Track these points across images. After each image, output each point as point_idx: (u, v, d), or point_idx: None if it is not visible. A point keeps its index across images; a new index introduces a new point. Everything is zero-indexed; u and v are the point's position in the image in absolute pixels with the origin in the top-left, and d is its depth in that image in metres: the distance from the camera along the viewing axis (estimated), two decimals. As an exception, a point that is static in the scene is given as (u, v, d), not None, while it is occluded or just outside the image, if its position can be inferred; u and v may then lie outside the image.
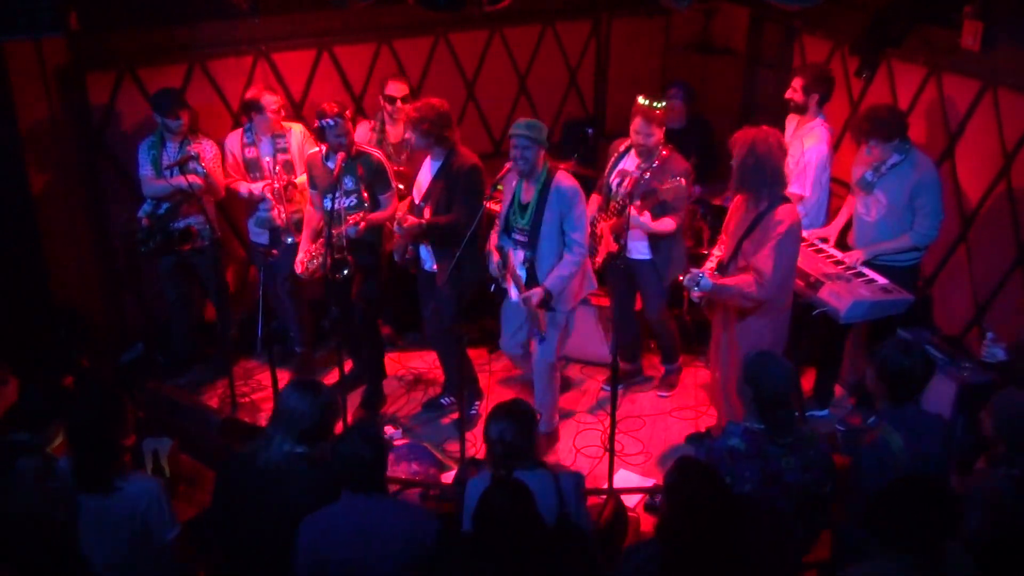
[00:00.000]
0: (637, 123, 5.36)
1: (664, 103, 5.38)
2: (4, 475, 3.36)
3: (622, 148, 5.60)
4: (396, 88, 6.06)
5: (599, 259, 5.56)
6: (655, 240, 5.54)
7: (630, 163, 5.53)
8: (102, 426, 3.48)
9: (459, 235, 5.06)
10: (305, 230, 5.67)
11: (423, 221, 5.27)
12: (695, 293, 4.72)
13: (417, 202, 5.45)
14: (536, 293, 5.00)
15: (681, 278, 4.82)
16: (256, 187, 5.79)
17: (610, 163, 5.63)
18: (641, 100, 5.37)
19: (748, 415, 3.70)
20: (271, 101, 5.74)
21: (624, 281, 5.76)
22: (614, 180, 5.52)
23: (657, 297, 5.76)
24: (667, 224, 5.42)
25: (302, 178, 5.77)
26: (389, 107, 6.07)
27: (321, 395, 3.58)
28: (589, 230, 5.35)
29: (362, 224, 5.33)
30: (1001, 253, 5.40)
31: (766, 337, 4.75)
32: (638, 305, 5.99)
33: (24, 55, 5.30)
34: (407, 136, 5.75)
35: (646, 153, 5.43)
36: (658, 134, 5.37)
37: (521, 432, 3.57)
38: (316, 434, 3.55)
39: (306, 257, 5.55)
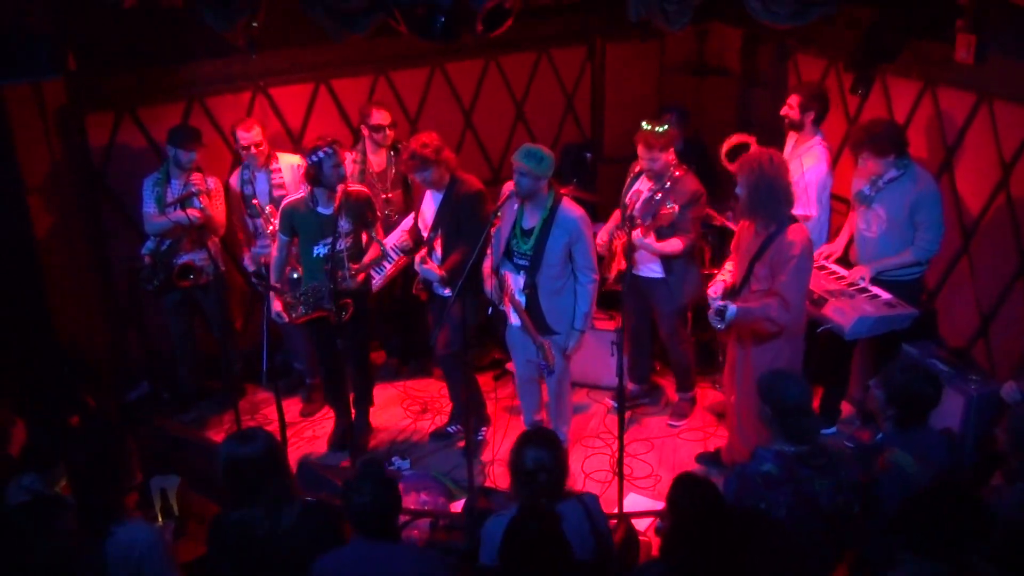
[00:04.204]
0: (640, 149, 5.41)
1: (666, 127, 5.39)
2: (42, 533, 3.25)
3: (637, 169, 5.63)
4: (382, 116, 6.06)
5: (611, 275, 5.58)
6: (668, 259, 5.55)
7: (643, 184, 5.56)
8: (101, 467, 3.44)
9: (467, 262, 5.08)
10: (272, 275, 5.49)
11: (443, 274, 5.30)
12: (721, 326, 4.71)
13: (424, 235, 5.46)
14: (575, 338, 5.12)
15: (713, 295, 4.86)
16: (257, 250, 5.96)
17: (627, 182, 5.67)
18: (644, 125, 5.40)
19: (775, 438, 3.64)
20: (244, 136, 5.75)
21: (637, 300, 5.78)
22: (629, 200, 5.55)
23: (671, 316, 5.75)
24: (674, 245, 5.42)
25: None
26: (378, 135, 6.06)
27: (262, 438, 3.43)
28: (606, 240, 5.53)
29: (360, 275, 5.32)
30: (1003, 264, 5.39)
31: (783, 359, 4.72)
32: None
33: (24, 98, 5.34)
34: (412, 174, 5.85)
35: (655, 176, 5.47)
36: (662, 158, 5.38)
37: (558, 461, 3.51)
38: (274, 476, 3.41)
39: (287, 305, 5.36)
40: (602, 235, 5.67)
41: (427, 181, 5.34)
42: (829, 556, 3.67)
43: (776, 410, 3.58)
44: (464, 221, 5.27)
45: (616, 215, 5.78)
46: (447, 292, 5.43)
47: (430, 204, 5.45)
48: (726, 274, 5.02)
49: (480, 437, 5.84)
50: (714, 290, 4.91)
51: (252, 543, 3.39)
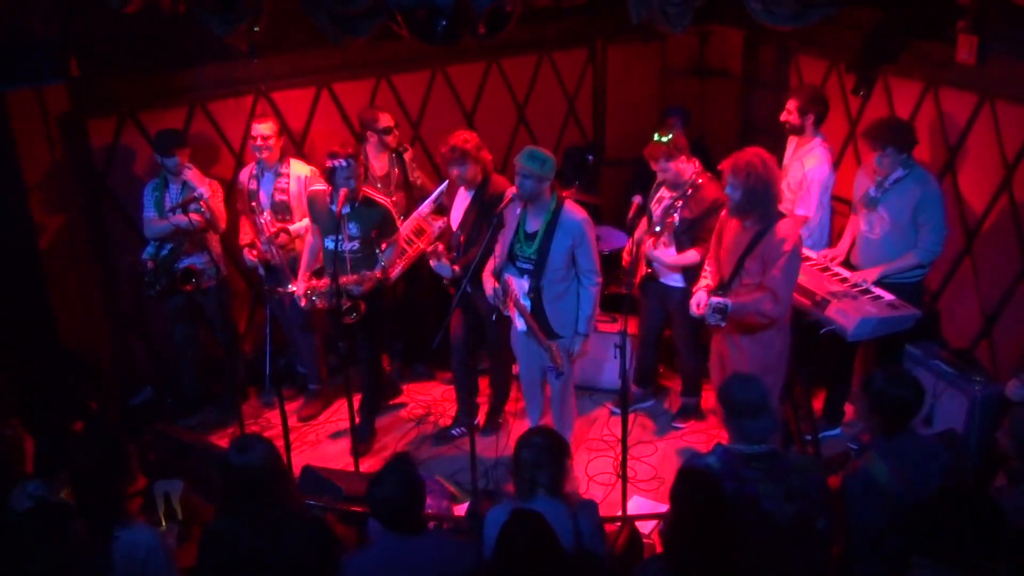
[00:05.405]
0: (651, 163, 5.42)
1: (669, 136, 5.36)
2: (46, 539, 3.26)
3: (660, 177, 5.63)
4: (387, 119, 6.11)
5: (636, 280, 5.60)
6: (688, 269, 5.54)
7: (666, 191, 5.57)
8: (102, 473, 3.44)
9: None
10: (303, 259, 5.67)
11: (458, 270, 5.35)
12: (723, 323, 4.71)
13: (455, 230, 5.55)
14: (579, 342, 5.12)
15: (699, 311, 4.85)
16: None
17: (652, 189, 5.67)
18: (656, 138, 5.38)
19: (731, 437, 3.64)
20: (257, 129, 5.79)
21: (655, 304, 5.80)
22: (653, 207, 5.56)
23: (687, 325, 5.73)
24: (691, 257, 5.43)
25: (297, 224, 5.83)
26: (388, 137, 6.09)
27: (264, 446, 3.42)
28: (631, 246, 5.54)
29: (366, 285, 5.36)
30: (1006, 264, 5.39)
31: (774, 349, 4.80)
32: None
33: (26, 103, 5.34)
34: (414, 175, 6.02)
35: (672, 184, 5.46)
36: (672, 167, 5.37)
37: (553, 459, 3.54)
38: (272, 487, 3.39)
39: (307, 289, 5.50)
40: (631, 245, 5.67)
41: (462, 177, 5.41)
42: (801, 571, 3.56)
43: (725, 409, 3.60)
44: (488, 221, 5.28)
45: (643, 225, 5.74)
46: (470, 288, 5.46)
47: (461, 201, 5.49)
48: (707, 278, 5.05)
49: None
50: (697, 300, 4.92)
51: (245, 551, 3.38)
